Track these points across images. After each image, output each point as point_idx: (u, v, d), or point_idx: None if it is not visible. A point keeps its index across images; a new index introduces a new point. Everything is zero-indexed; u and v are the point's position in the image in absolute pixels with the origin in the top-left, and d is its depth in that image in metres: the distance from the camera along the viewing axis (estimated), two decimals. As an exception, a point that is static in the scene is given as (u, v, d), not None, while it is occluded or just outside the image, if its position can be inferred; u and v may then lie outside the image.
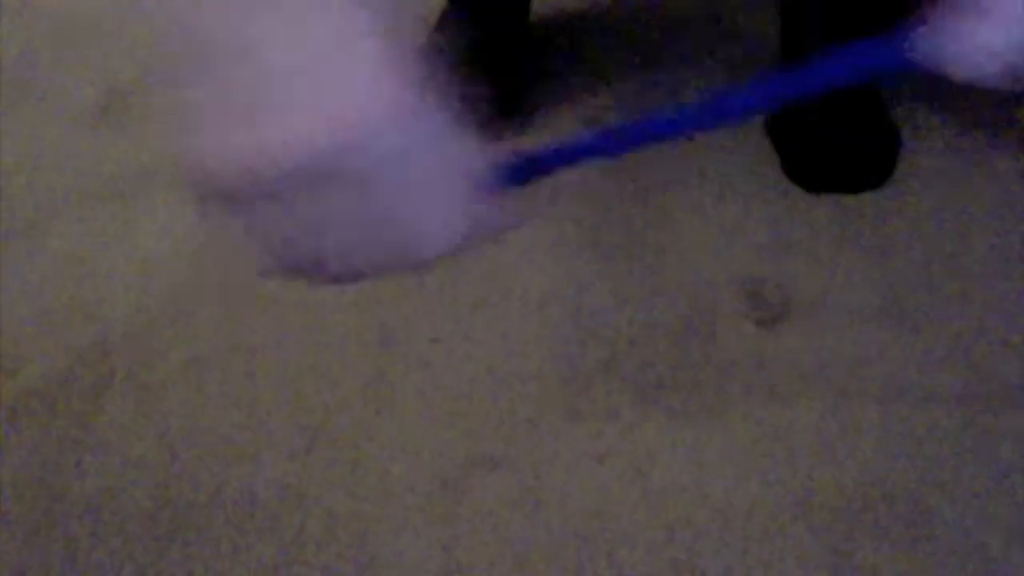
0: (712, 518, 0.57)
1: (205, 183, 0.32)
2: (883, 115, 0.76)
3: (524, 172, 0.41)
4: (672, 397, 0.63)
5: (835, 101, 0.75)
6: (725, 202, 0.73)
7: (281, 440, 0.62)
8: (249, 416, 0.63)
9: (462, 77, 0.88)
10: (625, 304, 0.68)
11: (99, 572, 0.57)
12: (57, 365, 0.66)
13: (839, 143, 0.75)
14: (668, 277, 0.69)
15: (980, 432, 0.60)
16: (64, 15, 0.94)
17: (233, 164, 0.32)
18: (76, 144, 0.81)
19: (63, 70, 0.89)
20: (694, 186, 0.75)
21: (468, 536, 0.57)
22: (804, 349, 0.65)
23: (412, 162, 0.34)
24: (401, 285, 0.70)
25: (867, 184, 0.75)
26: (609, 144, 0.45)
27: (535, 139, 0.79)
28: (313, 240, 0.35)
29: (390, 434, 0.62)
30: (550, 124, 0.80)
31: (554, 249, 0.71)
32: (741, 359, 0.64)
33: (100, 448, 0.62)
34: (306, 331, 0.67)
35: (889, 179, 0.74)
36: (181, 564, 0.57)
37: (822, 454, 0.60)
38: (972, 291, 0.66)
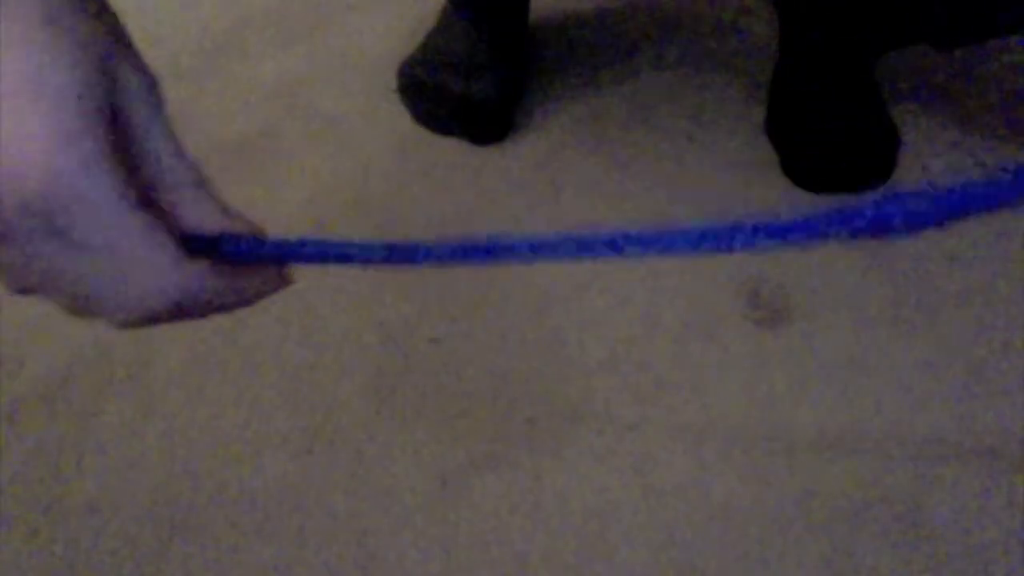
0: (712, 518, 0.57)
1: None
2: (882, 114, 0.76)
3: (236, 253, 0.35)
4: (671, 397, 0.63)
5: (834, 99, 0.75)
6: (725, 202, 0.73)
7: (281, 440, 0.62)
8: (249, 416, 0.63)
9: (460, 78, 0.89)
10: (625, 304, 0.68)
11: (99, 572, 0.57)
12: (57, 365, 0.66)
13: (839, 142, 0.75)
14: (668, 277, 0.69)
15: (980, 432, 0.60)
16: (64, 15, 0.94)
17: None
18: (76, 144, 0.81)
19: (63, 70, 0.88)
20: (694, 186, 0.75)
21: (468, 536, 0.57)
22: (804, 349, 0.65)
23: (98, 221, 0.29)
24: (401, 285, 0.70)
25: (867, 183, 0.75)
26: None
27: (534, 139, 0.79)
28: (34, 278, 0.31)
29: (390, 434, 0.62)
30: (548, 125, 0.80)
31: (554, 249, 0.71)
32: (741, 359, 0.64)
33: (100, 448, 0.62)
34: (306, 331, 0.67)
35: (889, 179, 0.74)
36: (181, 564, 0.57)
37: (822, 454, 0.60)
38: (972, 291, 0.66)
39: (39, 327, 0.69)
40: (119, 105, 0.31)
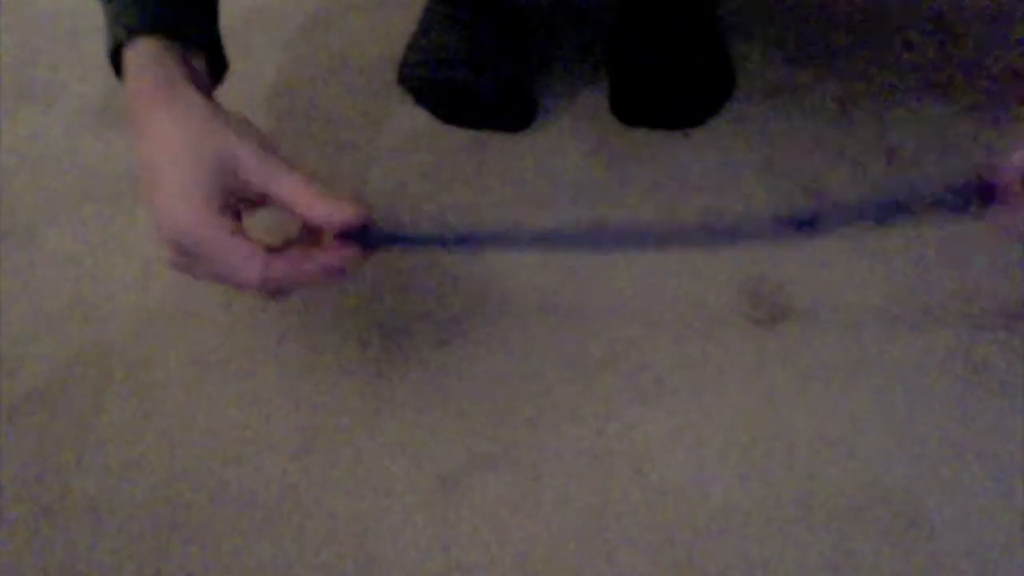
0: (712, 518, 0.57)
1: None
2: (718, 55, 0.79)
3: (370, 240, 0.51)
4: (672, 397, 0.63)
5: (669, 36, 0.77)
6: (725, 202, 0.73)
7: (281, 440, 0.62)
8: (249, 416, 0.63)
9: (465, 73, 0.89)
10: (625, 303, 0.68)
11: (99, 572, 0.57)
12: (57, 365, 0.66)
13: (667, 79, 0.77)
14: (668, 277, 0.69)
15: (980, 432, 0.60)
16: (64, 15, 0.94)
17: None
18: (76, 144, 0.81)
19: (63, 70, 0.89)
20: (694, 185, 0.75)
21: (468, 536, 0.57)
22: (804, 349, 0.65)
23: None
24: (402, 287, 0.70)
25: (687, 122, 0.77)
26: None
27: (534, 139, 0.79)
28: None
29: (390, 434, 0.62)
30: (548, 124, 0.80)
31: (554, 249, 0.71)
32: (741, 359, 0.64)
33: (100, 448, 0.62)
34: (306, 331, 0.67)
35: (708, 119, 0.77)
36: (181, 564, 0.57)
37: (822, 454, 0.60)
38: (972, 291, 0.66)
39: (39, 327, 0.69)
40: (232, 163, 0.49)
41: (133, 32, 0.52)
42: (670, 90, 0.77)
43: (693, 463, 0.60)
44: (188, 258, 0.49)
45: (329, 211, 0.49)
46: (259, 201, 0.52)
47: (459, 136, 0.80)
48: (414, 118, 0.81)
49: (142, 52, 0.52)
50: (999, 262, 0.68)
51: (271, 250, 0.50)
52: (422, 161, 0.78)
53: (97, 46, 0.91)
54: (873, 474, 0.59)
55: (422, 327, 0.67)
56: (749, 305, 0.67)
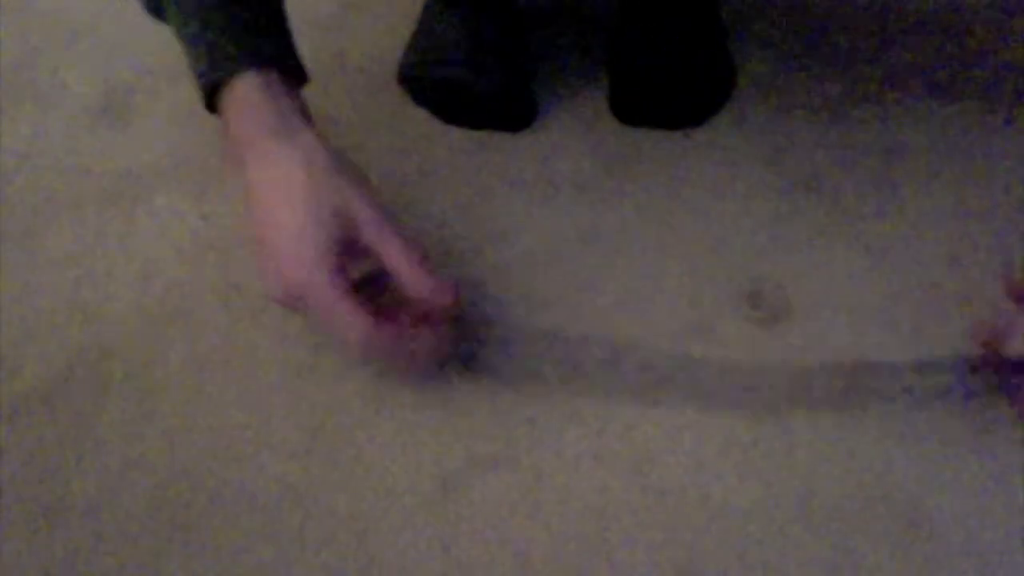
0: (712, 518, 0.57)
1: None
2: (718, 55, 0.79)
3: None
4: (672, 397, 0.63)
5: (670, 36, 0.77)
6: (725, 202, 0.73)
7: (281, 440, 0.62)
8: (249, 416, 0.63)
9: (464, 73, 0.89)
10: (625, 304, 0.68)
11: (99, 572, 0.57)
12: (57, 365, 0.66)
13: (667, 79, 0.77)
14: (668, 277, 0.69)
15: (980, 432, 0.60)
16: (64, 15, 0.94)
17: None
18: (76, 144, 0.81)
19: (63, 70, 0.88)
20: (694, 185, 0.75)
21: (468, 536, 0.57)
22: (804, 349, 0.65)
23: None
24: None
25: (687, 121, 0.77)
26: None
27: (534, 138, 0.79)
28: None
29: (390, 434, 0.62)
30: (548, 124, 0.80)
31: (553, 249, 0.71)
32: (741, 359, 0.64)
33: (100, 448, 0.62)
34: (307, 331, 0.67)
35: (709, 118, 0.77)
36: (181, 564, 0.57)
37: (822, 454, 0.60)
38: (972, 291, 0.66)
39: (39, 327, 0.69)
40: (350, 219, 0.53)
41: (240, 66, 0.52)
42: (670, 90, 0.77)
43: (693, 463, 0.60)
44: (296, 302, 0.54)
45: (432, 293, 0.54)
46: (362, 254, 0.55)
47: (459, 136, 0.80)
48: (414, 118, 0.81)
49: (250, 86, 0.52)
50: (999, 261, 0.68)
51: (376, 310, 0.54)
52: (422, 161, 0.78)
53: (97, 46, 0.91)
54: (873, 474, 0.59)
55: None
56: (749, 305, 0.67)
